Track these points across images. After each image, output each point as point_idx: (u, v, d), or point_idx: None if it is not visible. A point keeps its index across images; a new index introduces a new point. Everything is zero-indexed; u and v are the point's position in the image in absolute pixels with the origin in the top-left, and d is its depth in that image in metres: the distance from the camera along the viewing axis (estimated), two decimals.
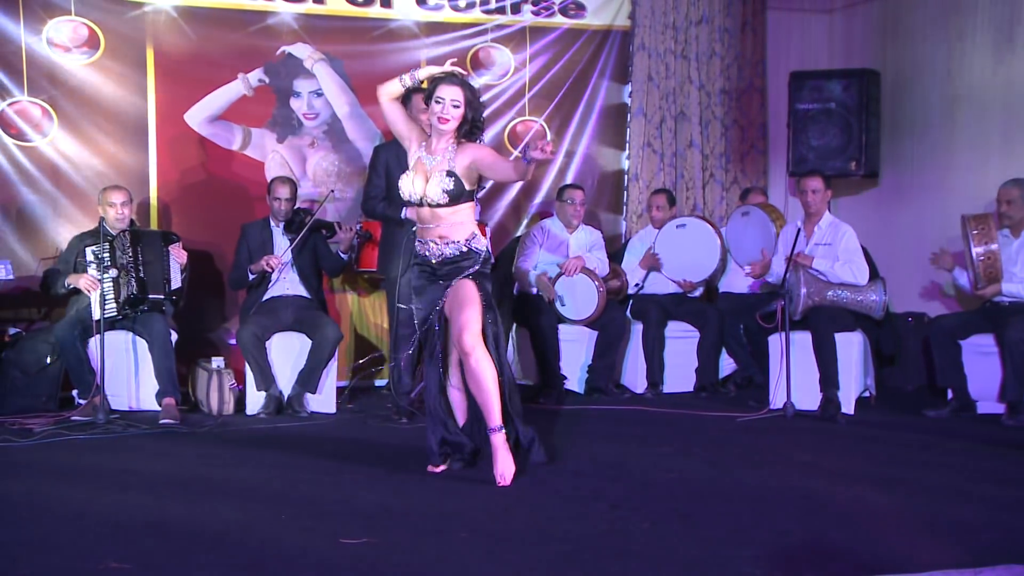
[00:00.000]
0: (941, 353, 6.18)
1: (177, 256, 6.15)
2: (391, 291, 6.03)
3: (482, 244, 4.46)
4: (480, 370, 4.28)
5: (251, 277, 6.36)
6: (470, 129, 4.39)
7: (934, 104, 7.56)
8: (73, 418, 5.69)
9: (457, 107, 4.32)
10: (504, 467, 4.29)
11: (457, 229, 4.40)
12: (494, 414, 4.31)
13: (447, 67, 4.45)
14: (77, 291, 6.00)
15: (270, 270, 6.27)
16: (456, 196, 4.33)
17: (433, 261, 4.42)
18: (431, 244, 4.41)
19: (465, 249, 4.39)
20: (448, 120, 4.33)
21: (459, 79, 4.41)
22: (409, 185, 4.39)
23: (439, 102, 4.32)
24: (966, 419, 6.00)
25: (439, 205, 4.35)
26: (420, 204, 4.40)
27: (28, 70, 6.60)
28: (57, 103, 6.68)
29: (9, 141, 6.60)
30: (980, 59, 7.18)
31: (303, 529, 3.63)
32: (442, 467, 4.55)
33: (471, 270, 4.40)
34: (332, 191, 6.85)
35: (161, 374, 5.97)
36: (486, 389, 4.29)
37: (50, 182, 6.67)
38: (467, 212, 4.43)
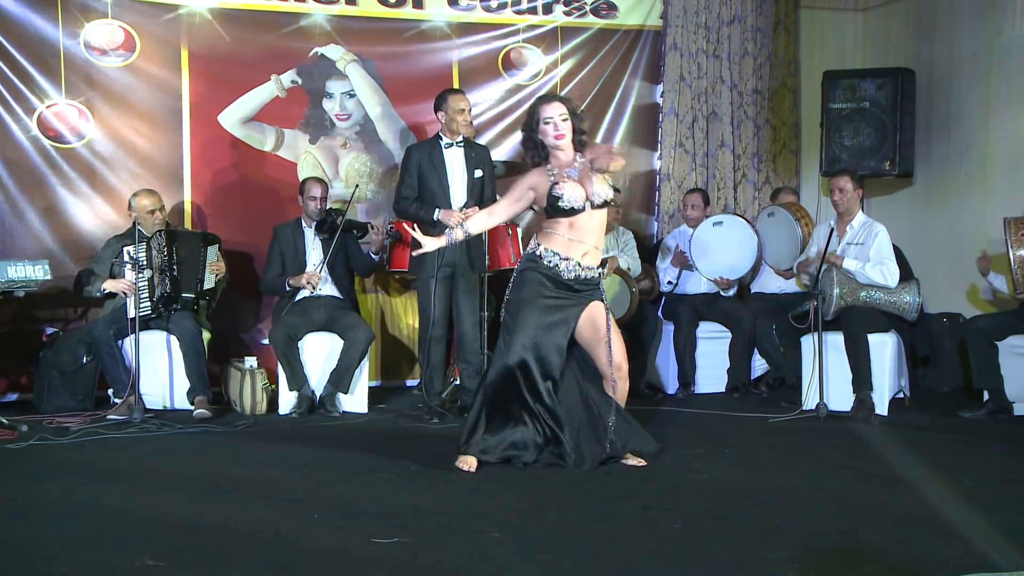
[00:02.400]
0: (977, 354, 6.12)
1: (214, 268, 6.20)
2: (423, 291, 6.05)
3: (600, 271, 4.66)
4: (625, 389, 4.72)
5: (287, 290, 6.40)
6: (579, 138, 4.62)
7: (970, 103, 7.47)
8: (109, 417, 5.75)
9: (565, 120, 4.58)
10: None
11: (596, 254, 4.58)
12: None
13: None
14: (113, 294, 6.09)
15: (311, 290, 6.29)
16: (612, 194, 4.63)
17: (565, 277, 4.54)
18: (572, 261, 4.53)
19: (596, 275, 4.60)
20: (564, 135, 4.58)
21: (555, 96, 4.75)
22: (571, 191, 4.50)
23: (548, 122, 4.55)
24: (1002, 421, 5.95)
25: (603, 204, 4.56)
26: (582, 209, 4.52)
27: (66, 73, 6.69)
28: (94, 105, 6.76)
29: (47, 143, 6.68)
30: (1019, 56, 7.08)
31: (335, 528, 3.65)
32: (474, 467, 4.55)
33: (601, 293, 4.67)
34: (357, 185, 6.80)
35: (192, 373, 6.03)
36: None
37: (87, 183, 6.75)
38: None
